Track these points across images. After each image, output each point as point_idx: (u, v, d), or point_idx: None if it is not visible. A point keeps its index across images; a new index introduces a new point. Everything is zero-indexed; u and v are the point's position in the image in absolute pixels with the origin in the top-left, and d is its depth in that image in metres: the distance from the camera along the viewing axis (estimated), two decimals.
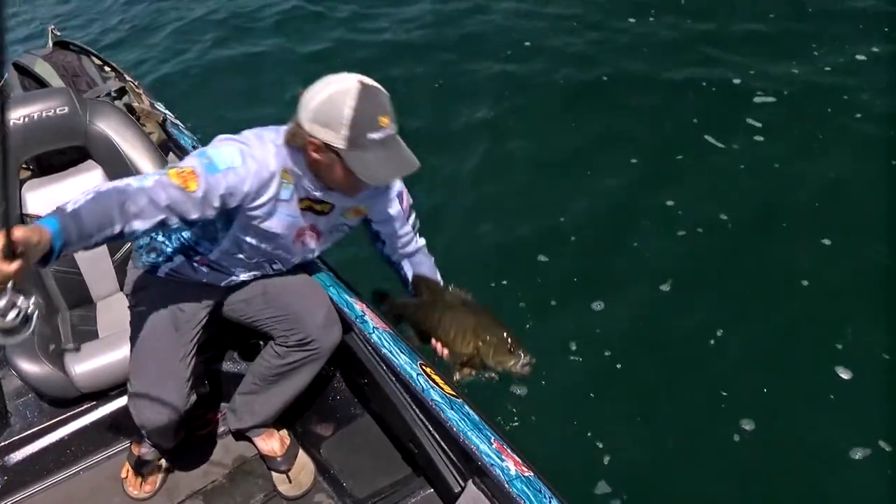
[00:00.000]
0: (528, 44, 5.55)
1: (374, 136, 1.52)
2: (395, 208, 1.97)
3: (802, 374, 2.81)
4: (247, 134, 1.69)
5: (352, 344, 2.11)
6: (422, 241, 2.10)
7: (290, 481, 2.19)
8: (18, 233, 1.23)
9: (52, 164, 2.42)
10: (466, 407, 1.83)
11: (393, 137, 1.57)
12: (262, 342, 2.22)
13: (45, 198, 2.36)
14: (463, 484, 1.77)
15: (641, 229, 3.65)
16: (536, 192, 4.01)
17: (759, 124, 4.23)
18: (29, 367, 2.11)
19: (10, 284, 1.27)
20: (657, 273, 3.36)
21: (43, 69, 2.65)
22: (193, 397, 1.95)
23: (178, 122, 3.06)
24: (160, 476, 2.23)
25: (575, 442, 2.68)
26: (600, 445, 2.65)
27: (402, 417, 1.94)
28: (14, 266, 1.23)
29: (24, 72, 2.68)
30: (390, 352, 2.00)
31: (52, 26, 3.13)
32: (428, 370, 1.93)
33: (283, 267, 2.00)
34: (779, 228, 3.52)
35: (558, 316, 3.21)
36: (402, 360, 1.96)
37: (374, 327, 2.08)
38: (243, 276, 1.96)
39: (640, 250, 3.54)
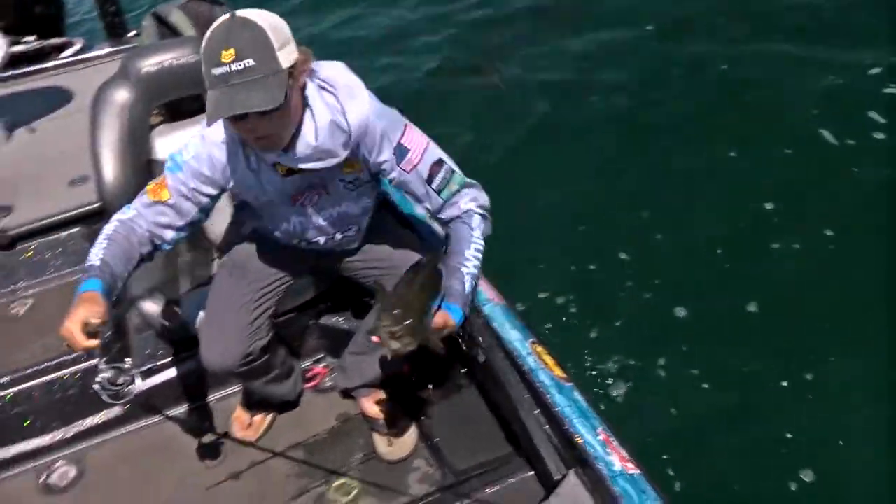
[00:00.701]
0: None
1: (216, 71, 1.33)
2: (394, 169, 1.64)
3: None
4: None
5: None
6: (466, 206, 1.69)
7: (390, 444, 2.18)
8: (98, 318, 1.40)
9: (182, 110, 2.49)
10: (575, 392, 1.74)
11: (238, 74, 1.32)
12: (374, 301, 2.21)
13: (174, 143, 2.39)
14: (564, 472, 1.70)
15: (734, 237, 3.40)
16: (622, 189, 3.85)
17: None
18: (150, 305, 2.20)
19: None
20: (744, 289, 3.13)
21: (178, 18, 2.70)
22: (258, 344, 1.90)
23: None
24: (265, 423, 2.28)
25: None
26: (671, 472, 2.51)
27: (509, 395, 1.87)
28: (97, 340, 1.41)
29: (161, 21, 2.75)
30: (501, 326, 1.92)
31: None
32: (539, 349, 1.86)
33: (335, 234, 1.85)
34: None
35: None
36: (513, 337, 1.89)
37: (488, 299, 2.01)
38: (320, 240, 1.86)
39: (728, 261, 3.30)
